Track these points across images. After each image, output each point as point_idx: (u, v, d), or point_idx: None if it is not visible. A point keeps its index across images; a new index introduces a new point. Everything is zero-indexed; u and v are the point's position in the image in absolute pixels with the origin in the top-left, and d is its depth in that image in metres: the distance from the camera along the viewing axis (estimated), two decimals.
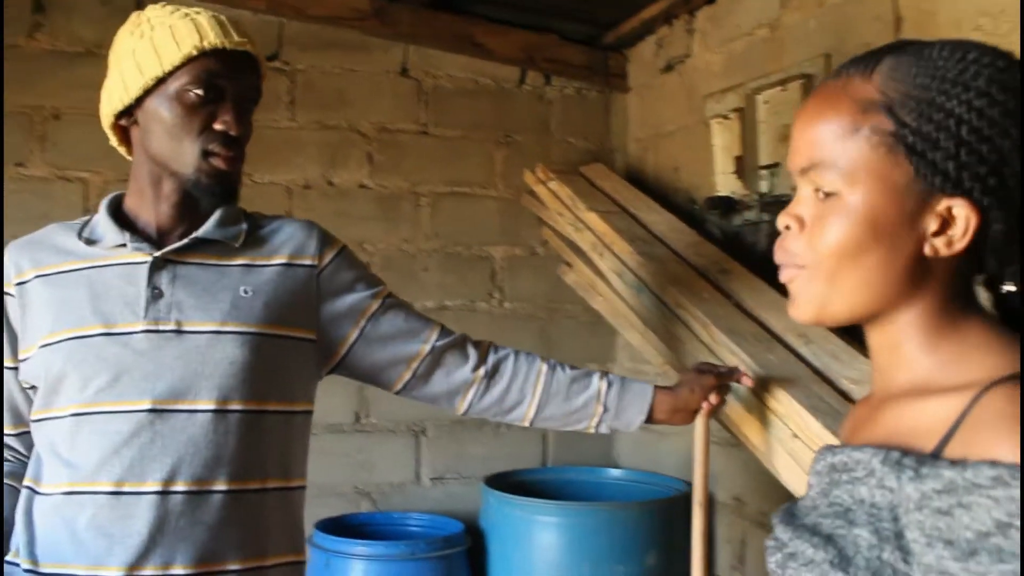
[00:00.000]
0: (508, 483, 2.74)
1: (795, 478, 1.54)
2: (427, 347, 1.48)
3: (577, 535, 2.42)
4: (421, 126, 2.93)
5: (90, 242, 1.37)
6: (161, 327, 1.30)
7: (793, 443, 1.52)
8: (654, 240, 2.34)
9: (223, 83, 1.31)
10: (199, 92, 1.29)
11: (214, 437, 1.29)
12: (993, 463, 0.63)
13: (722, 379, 1.58)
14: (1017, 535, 0.61)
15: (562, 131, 3.12)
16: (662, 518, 2.51)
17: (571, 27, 3.02)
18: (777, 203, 2.38)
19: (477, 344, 1.54)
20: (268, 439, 1.35)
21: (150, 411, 1.27)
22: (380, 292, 1.49)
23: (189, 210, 1.37)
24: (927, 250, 0.76)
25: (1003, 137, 0.73)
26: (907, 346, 0.79)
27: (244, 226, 1.41)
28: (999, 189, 0.74)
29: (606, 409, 1.53)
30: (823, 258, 0.78)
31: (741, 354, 1.69)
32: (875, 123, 0.76)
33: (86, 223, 1.41)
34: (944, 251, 0.75)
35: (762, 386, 1.60)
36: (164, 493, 1.26)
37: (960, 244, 0.75)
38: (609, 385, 1.54)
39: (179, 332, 1.30)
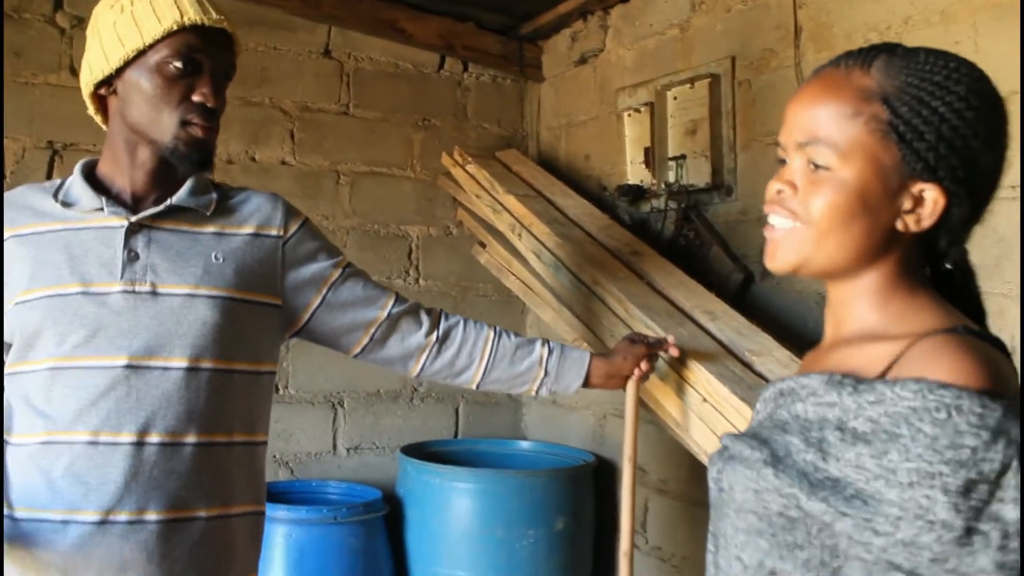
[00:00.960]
0: (422, 453, 2.85)
1: (705, 438, 1.72)
2: (384, 313, 1.58)
3: (491, 501, 2.55)
4: (342, 106, 3.00)
5: (66, 204, 1.41)
6: (137, 288, 1.36)
7: (703, 407, 1.70)
8: (570, 223, 2.49)
9: (201, 57, 1.37)
10: (179, 65, 1.35)
11: (186, 393, 1.36)
12: (917, 380, 0.77)
13: (651, 349, 1.73)
14: (924, 439, 0.74)
15: (478, 117, 3.24)
16: (570, 486, 2.67)
17: (489, 17, 3.13)
18: (683, 192, 2.57)
19: (429, 311, 1.65)
20: (235, 396, 1.42)
21: (126, 367, 1.34)
22: (340, 262, 1.58)
23: (162, 178, 1.43)
24: (899, 224, 0.89)
25: (974, 137, 0.88)
26: (861, 303, 0.93)
27: (214, 195, 1.48)
28: (966, 180, 0.88)
29: (547, 373, 1.65)
30: (816, 220, 0.90)
31: (656, 328, 1.85)
32: (874, 111, 0.88)
33: (60, 186, 1.45)
34: (913, 227, 0.89)
35: (677, 357, 1.77)
36: (139, 444, 1.33)
37: (927, 222, 0.89)
38: (550, 352, 1.67)
39: (154, 293, 1.37)
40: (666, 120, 2.65)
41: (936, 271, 0.98)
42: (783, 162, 0.97)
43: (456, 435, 3.18)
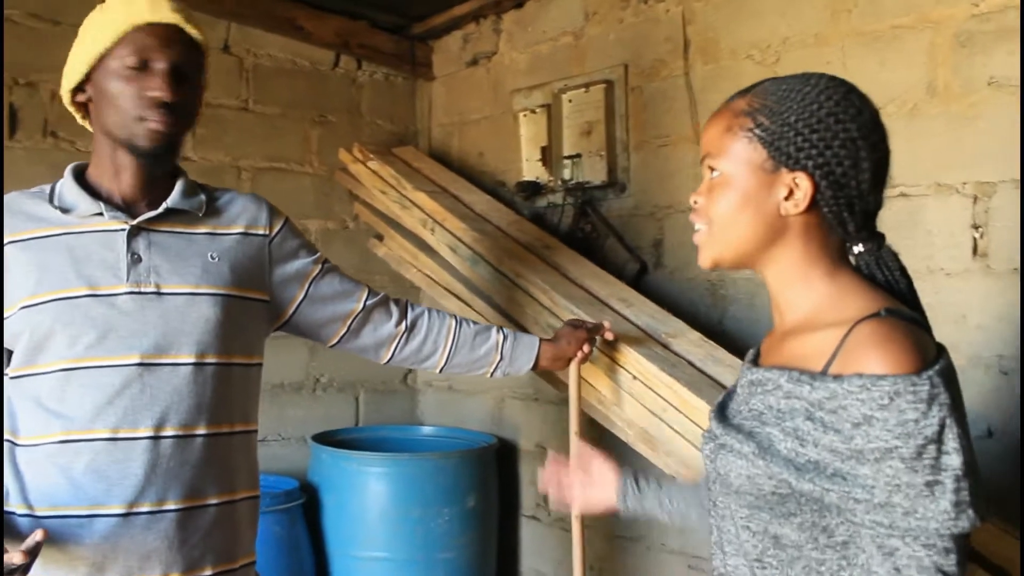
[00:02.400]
0: (330, 441, 2.94)
1: (636, 411, 1.92)
2: (359, 306, 1.69)
3: (408, 483, 2.68)
4: (242, 102, 3.02)
5: (64, 210, 1.45)
6: (143, 289, 1.42)
7: (633, 384, 1.90)
8: (480, 218, 2.64)
9: (155, 55, 1.41)
10: (132, 63, 1.40)
11: (195, 387, 1.43)
12: (859, 375, 0.97)
13: (591, 333, 1.92)
14: (878, 423, 0.94)
15: (371, 113, 3.33)
16: (479, 465, 2.83)
17: (384, 16, 3.22)
18: (579, 188, 2.78)
19: (396, 301, 1.77)
20: (235, 388, 1.50)
21: (139, 365, 1.40)
22: (319, 258, 1.68)
23: (149, 180, 1.48)
24: (781, 211, 1.10)
25: (826, 131, 1.08)
26: (788, 290, 1.14)
27: (203, 197, 1.55)
28: (826, 166, 1.08)
29: (502, 357, 1.81)
30: (714, 219, 1.13)
31: (582, 315, 2.04)
32: (741, 123, 1.11)
33: (51, 192, 1.47)
34: (792, 211, 1.09)
35: (604, 341, 1.96)
36: (156, 438, 1.39)
37: (803, 205, 1.09)
38: (504, 338, 1.82)
39: (159, 294, 1.43)
40: (562, 121, 2.85)
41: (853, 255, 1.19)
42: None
43: (357, 423, 3.27)
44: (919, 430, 0.93)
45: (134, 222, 1.45)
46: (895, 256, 1.16)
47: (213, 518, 1.45)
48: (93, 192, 1.47)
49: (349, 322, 1.69)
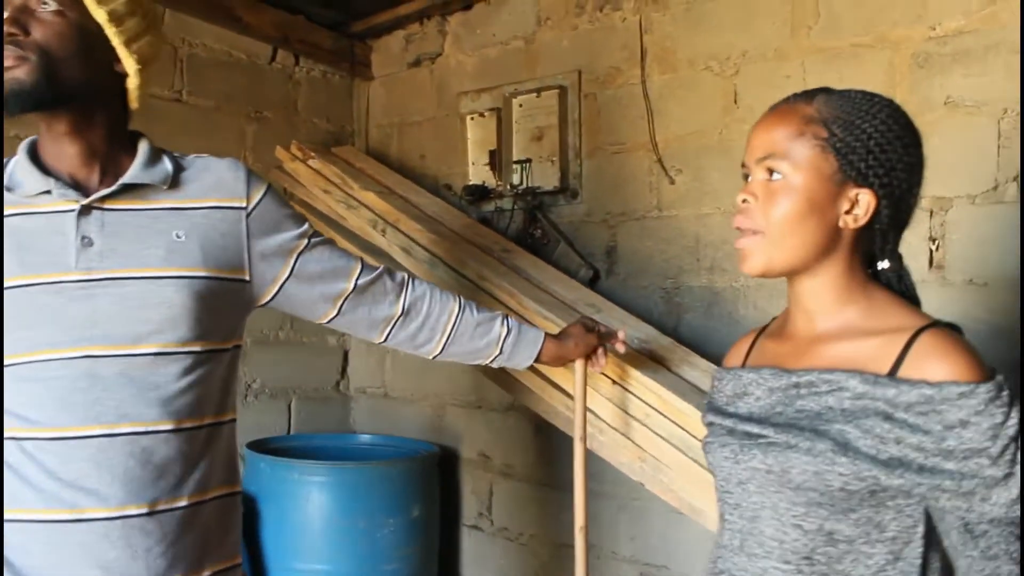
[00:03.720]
0: (265, 450, 2.81)
1: (612, 414, 1.90)
2: (351, 285, 1.56)
3: (351, 493, 2.59)
4: (175, 93, 2.87)
5: (8, 189, 1.32)
6: (95, 275, 1.30)
7: (613, 388, 1.89)
8: (433, 220, 2.59)
9: None
10: None
11: (155, 379, 1.32)
12: (956, 383, 1.01)
13: (603, 340, 1.84)
14: (974, 427, 0.99)
15: (308, 111, 3.23)
16: (422, 475, 2.77)
17: (324, 12, 3.13)
18: (529, 193, 2.76)
19: (394, 277, 1.64)
20: (206, 378, 1.39)
21: (87, 357, 1.28)
22: (306, 231, 1.53)
23: (88, 152, 1.35)
24: (840, 223, 1.13)
25: (894, 153, 1.13)
26: (827, 298, 1.17)
27: (169, 167, 1.40)
28: (889, 186, 1.13)
29: (501, 352, 1.72)
30: (774, 224, 1.13)
31: (555, 319, 2.02)
32: (815, 131, 1.13)
33: (2, 168, 1.35)
34: (851, 224, 1.13)
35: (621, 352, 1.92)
36: (111, 435, 1.28)
37: (862, 220, 1.13)
38: (508, 331, 1.72)
39: (114, 279, 1.30)
40: (512, 125, 2.83)
41: (875, 270, 1.24)
42: (746, 179, 1.20)
43: (289, 431, 3.15)
44: (1004, 431, 1.00)
45: (84, 202, 1.32)
46: (910, 274, 1.22)
47: (182, 521, 1.34)
48: (45, 169, 1.34)
49: (340, 303, 1.57)
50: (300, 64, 3.20)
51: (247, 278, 1.45)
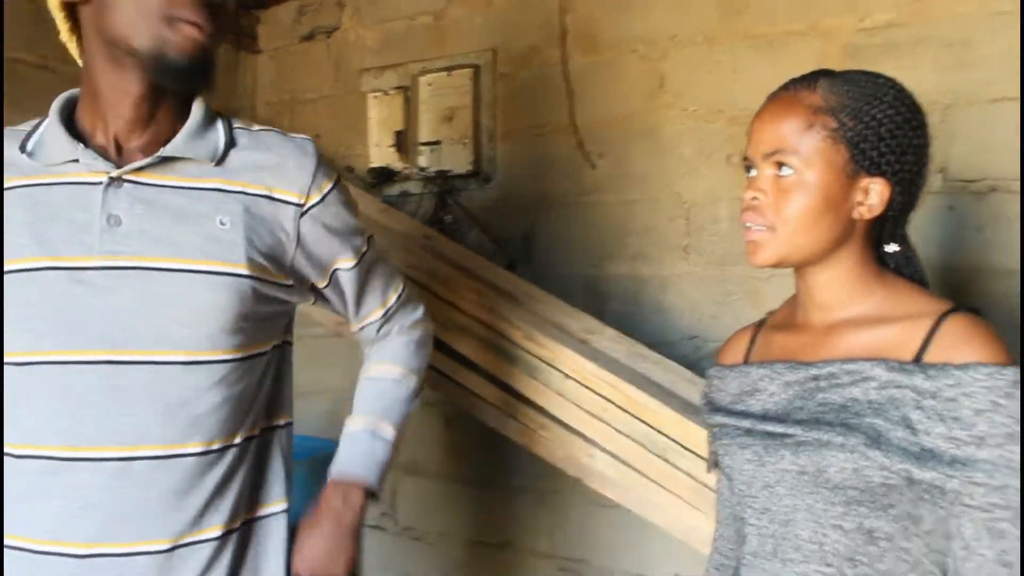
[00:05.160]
0: None
1: (568, 413, 1.80)
2: (356, 327, 1.42)
3: None
4: (41, 58, 2.55)
5: (31, 155, 1.10)
6: (121, 262, 1.08)
7: (565, 383, 1.79)
8: None
9: None
10: None
11: (185, 393, 1.11)
12: (983, 364, 0.97)
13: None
14: (1004, 411, 0.95)
15: None
16: (324, 473, 2.58)
17: None
18: (440, 177, 2.62)
19: (386, 330, 1.44)
20: (244, 389, 1.18)
21: (109, 363, 1.07)
22: (359, 248, 1.33)
23: (154, 111, 1.14)
24: (854, 214, 1.10)
25: (904, 137, 1.09)
26: (842, 287, 1.12)
27: (222, 138, 1.19)
28: (901, 173, 1.09)
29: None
30: (789, 220, 1.08)
31: (498, 308, 1.90)
32: (824, 122, 1.08)
33: (32, 130, 1.12)
34: (865, 215, 1.10)
35: (530, 340, 1.83)
36: (128, 459, 1.07)
37: (878, 210, 1.10)
38: (357, 433, 1.40)
39: (142, 269, 1.09)
40: (419, 105, 2.69)
41: (882, 253, 1.21)
42: (749, 171, 1.14)
43: None
44: None
45: (115, 173, 1.10)
46: (917, 255, 1.19)
47: (212, 554, 1.14)
48: (76, 133, 1.12)
49: (340, 319, 1.42)
50: None
51: (290, 282, 1.24)
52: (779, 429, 1.08)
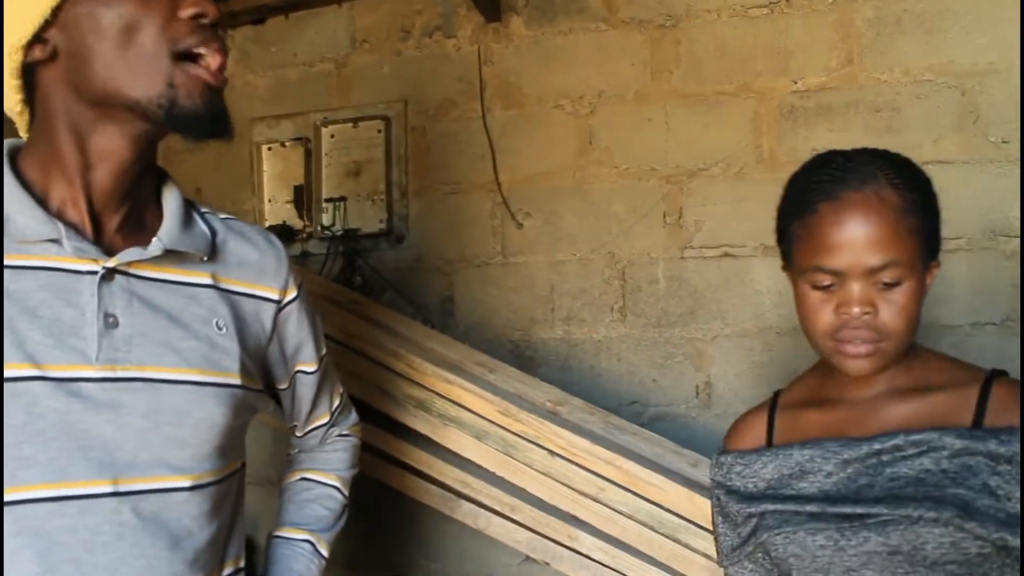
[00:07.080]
0: None
1: (552, 491, 1.65)
2: (298, 434, 1.30)
3: None
4: None
5: None
6: (123, 372, 0.88)
7: (545, 456, 1.64)
8: None
9: None
10: None
11: (188, 524, 0.92)
12: None
13: None
14: None
15: None
16: None
17: None
18: (347, 236, 2.43)
19: (341, 437, 1.34)
20: (229, 512, 1.03)
21: (114, 495, 0.86)
22: (321, 352, 1.22)
23: (137, 179, 0.94)
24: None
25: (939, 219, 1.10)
26: (896, 363, 1.09)
27: (205, 228, 1.04)
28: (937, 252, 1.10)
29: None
30: (899, 332, 1.04)
31: (459, 380, 1.74)
32: (910, 224, 1.04)
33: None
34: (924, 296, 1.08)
35: (507, 415, 1.68)
36: None
37: (929, 290, 1.08)
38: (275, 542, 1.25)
39: (149, 381, 0.89)
40: (321, 159, 2.49)
41: None
42: (831, 286, 1.05)
43: None
44: None
45: (111, 263, 0.90)
46: None
47: None
48: (45, 205, 0.90)
49: (287, 425, 1.28)
50: None
51: (261, 387, 1.10)
52: (857, 510, 1.02)
